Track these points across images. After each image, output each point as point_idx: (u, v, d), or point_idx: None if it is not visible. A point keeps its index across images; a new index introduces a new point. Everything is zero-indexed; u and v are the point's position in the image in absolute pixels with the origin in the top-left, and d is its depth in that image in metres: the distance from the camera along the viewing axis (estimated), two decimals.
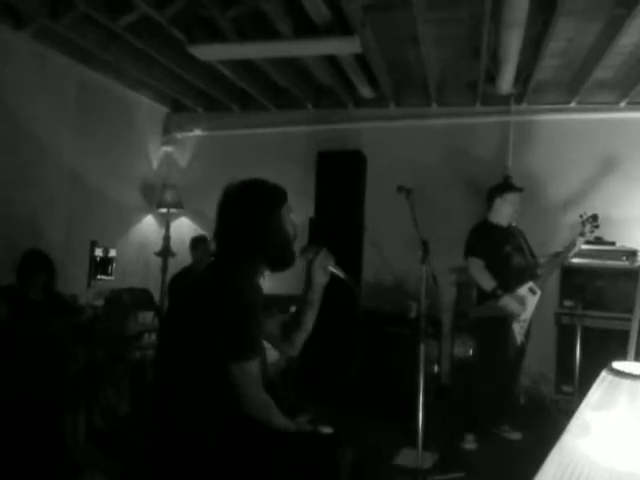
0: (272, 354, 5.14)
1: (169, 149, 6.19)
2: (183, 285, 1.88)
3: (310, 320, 1.94)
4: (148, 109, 5.94)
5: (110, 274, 4.69)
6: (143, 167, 5.94)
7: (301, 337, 1.94)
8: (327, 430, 1.86)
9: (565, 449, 0.84)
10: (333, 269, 1.91)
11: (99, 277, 4.62)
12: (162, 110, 6.16)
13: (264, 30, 4.00)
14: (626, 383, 0.83)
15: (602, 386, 0.86)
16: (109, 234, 5.14)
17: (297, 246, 1.90)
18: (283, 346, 1.92)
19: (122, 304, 4.26)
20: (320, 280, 1.89)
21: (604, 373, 0.86)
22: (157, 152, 6.15)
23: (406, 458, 3.30)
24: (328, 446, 1.78)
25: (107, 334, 3.34)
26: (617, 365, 0.87)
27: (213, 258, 1.83)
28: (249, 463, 1.64)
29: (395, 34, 4.11)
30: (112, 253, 4.73)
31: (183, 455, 1.61)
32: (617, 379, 0.84)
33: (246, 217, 1.74)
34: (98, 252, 4.63)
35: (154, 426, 1.70)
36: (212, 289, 1.68)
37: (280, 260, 1.82)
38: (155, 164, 6.13)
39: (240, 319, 1.62)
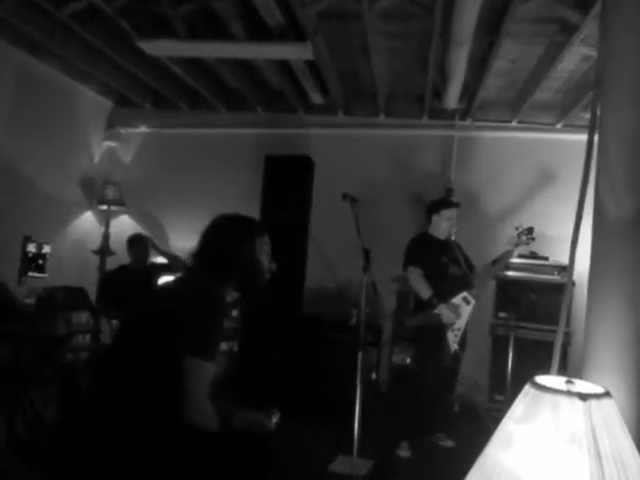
0: None
1: (112, 144, 5.99)
2: (152, 288, 1.98)
3: None
4: (92, 102, 5.74)
5: (43, 271, 4.49)
6: (84, 162, 5.74)
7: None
8: (276, 417, 1.92)
9: (488, 461, 0.86)
10: None
11: (31, 274, 4.41)
12: (107, 104, 5.97)
13: (216, 30, 3.95)
14: (547, 397, 0.86)
15: (525, 399, 0.89)
16: (44, 229, 4.92)
17: None
18: None
19: (52, 303, 4.08)
20: None
21: (527, 387, 0.90)
22: (99, 147, 5.95)
23: (341, 465, 3.31)
24: (258, 448, 1.82)
25: (35, 334, 3.18)
26: (540, 379, 0.90)
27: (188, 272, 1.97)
28: (184, 464, 1.66)
29: (347, 43, 4.15)
30: (46, 249, 4.53)
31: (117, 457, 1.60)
32: (539, 393, 0.87)
33: (219, 241, 1.93)
34: (31, 248, 4.42)
35: (91, 425, 1.66)
36: (193, 289, 1.80)
37: (248, 284, 1.96)
38: (97, 159, 5.93)
39: (211, 320, 1.73)
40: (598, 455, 0.82)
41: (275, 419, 1.90)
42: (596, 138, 1.51)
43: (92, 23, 4.05)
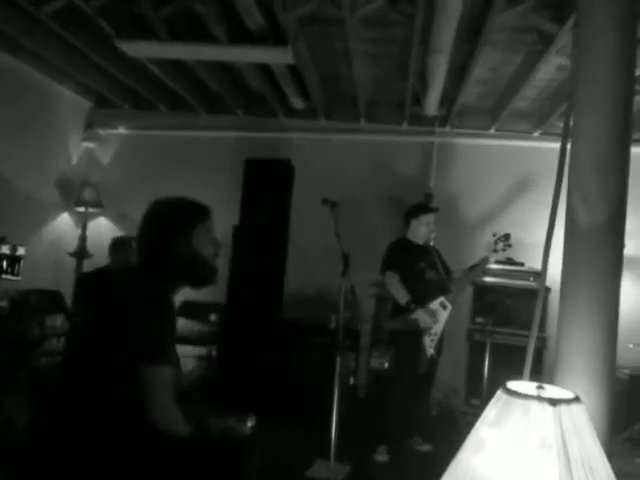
0: (189, 362, 5.04)
1: (90, 145, 5.92)
2: (101, 289, 1.88)
3: None
4: (70, 102, 5.66)
5: (17, 274, 4.40)
6: (61, 162, 5.65)
7: None
8: (251, 422, 1.89)
9: (460, 466, 0.87)
10: None
11: (4, 277, 4.33)
12: (85, 104, 5.90)
13: (198, 33, 3.94)
14: (519, 402, 0.87)
15: (497, 405, 0.91)
16: (19, 231, 4.83)
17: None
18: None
19: (26, 306, 4.01)
20: None
21: (499, 392, 0.91)
22: (77, 148, 5.87)
23: (319, 470, 3.31)
24: (234, 453, 1.80)
25: (7, 338, 3.12)
26: (511, 385, 0.92)
27: (136, 265, 1.86)
28: (155, 471, 1.62)
29: (329, 49, 4.16)
30: (21, 251, 4.45)
31: (88, 463, 1.57)
32: (511, 398, 0.88)
33: (153, 238, 1.82)
34: (5, 249, 4.34)
35: (58, 430, 1.64)
36: (135, 293, 1.72)
37: (193, 278, 1.86)
38: (74, 160, 5.85)
39: (159, 324, 1.66)
40: (567, 460, 0.83)
41: (250, 423, 1.88)
42: (569, 147, 1.55)
43: (71, 23, 3.99)
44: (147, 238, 1.83)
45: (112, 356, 1.63)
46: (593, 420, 0.93)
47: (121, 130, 5.91)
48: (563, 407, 0.86)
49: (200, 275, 1.86)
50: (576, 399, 0.89)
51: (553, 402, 0.86)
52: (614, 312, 1.49)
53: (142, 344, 1.62)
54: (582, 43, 1.50)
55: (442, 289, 3.76)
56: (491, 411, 0.92)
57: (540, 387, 0.92)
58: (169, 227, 1.81)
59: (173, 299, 1.80)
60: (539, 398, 0.87)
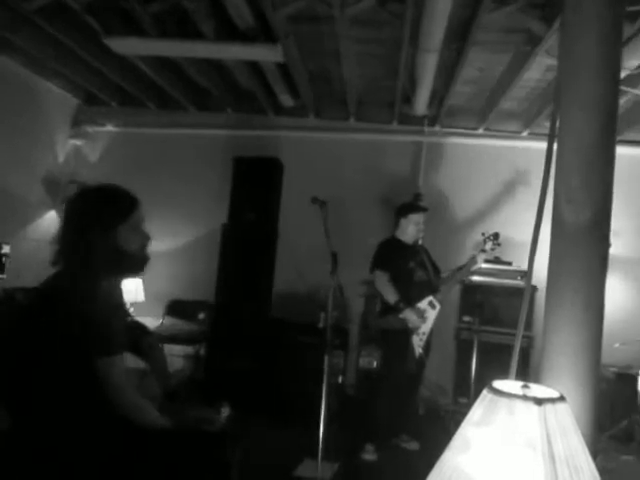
0: (177, 361, 5.02)
1: (78, 143, 5.87)
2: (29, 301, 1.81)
3: None
4: (57, 98, 5.60)
5: (2, 272, 4.36)
6: (48, 160, 5.59)
7: None
8: (225, 412, 1.87)
9: (445, 465, 0.88)
10: None
11: None
12: (73, 101, 5.84)
13: (186, 30, 3.91)
14: (504, 401, 0.88)
15: (483, 404, 0.91)
16: (4, 228, 4.78)
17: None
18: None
19: (12, 305, 3.96)
20: None
21: (485, 391, 0.91)
22: (65, 145, 5.81)
23: (307, 469, 3.30)
24: (216, 445, 1.78)
25: None
26: (497, 384, 0.92)
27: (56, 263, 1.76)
28: (133, 467, 1.61)
29: (319, 47, 4.16)
30: (6, 249, 4.40)
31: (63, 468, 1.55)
32: (496, 397, 0.89)
33: (73, 233, 1.71)
34: None
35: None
36: (62, 293, 1.65)
37: (119, 272, 1.81)
38: (62, 158, 5.79)
39: (97, 317, 1.61)
40: (552, 458, 0.84)
41: (225, 413, 1.85)
42: (555, 147, 1.55)
43: (58, 19, 3.95)
44: (67, 235, 1.73)
45: (65, 359, 1.59)
46: (578, 419, 0.94)
47: (109, 127, 5.87)
48: (548, 406, 0.86)
49: (126, 268, 1.79)
50: (561, 398, 0.90)
51: (538, 401, 0.86)
52: (600, 311, 1.50)
53: (84, 342, 1.58)
54: (568, 43, 1.51)
55: (431, 288, 3.78)
56: (477, 410, 0.92)
57: (525, 386, 0.92)
58: (89, 225, 1.69)
59: (101, 289, 1.72)
60: (524, 397, 0.87)
